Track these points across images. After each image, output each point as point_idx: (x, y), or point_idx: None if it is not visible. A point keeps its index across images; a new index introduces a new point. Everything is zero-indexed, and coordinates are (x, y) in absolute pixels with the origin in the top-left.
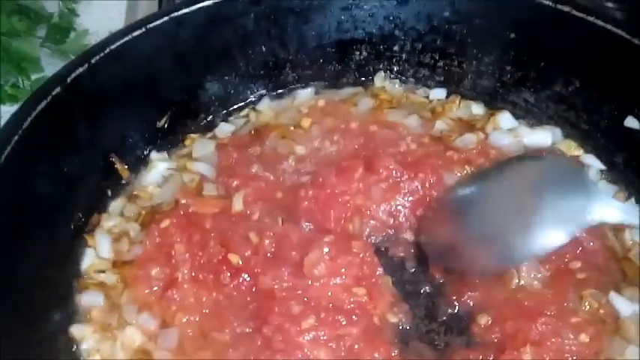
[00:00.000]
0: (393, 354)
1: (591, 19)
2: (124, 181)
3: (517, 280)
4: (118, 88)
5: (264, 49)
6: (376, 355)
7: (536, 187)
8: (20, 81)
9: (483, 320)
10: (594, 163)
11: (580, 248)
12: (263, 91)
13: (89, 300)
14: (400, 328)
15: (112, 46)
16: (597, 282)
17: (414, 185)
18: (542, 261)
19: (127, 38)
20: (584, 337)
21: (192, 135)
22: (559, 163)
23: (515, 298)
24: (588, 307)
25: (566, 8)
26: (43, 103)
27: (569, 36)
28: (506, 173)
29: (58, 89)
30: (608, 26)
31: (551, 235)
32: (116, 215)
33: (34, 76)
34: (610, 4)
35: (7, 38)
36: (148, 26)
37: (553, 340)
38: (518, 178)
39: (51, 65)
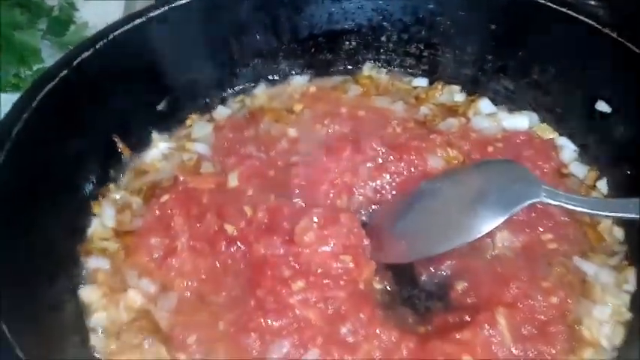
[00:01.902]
0: (377, 315)
1: (565, 9)
2: (126, 159)
3: (492, 251)
4: (120, 72)
5: (258, 37)
6: (361, 316)
7: (484, 180)
8: (22, 71)
9: (460, 286)
10: (568, 145)
11: (552, 222)
12: (258, 78)
13: (95, 264)
14: (384, 293)
15: (116, 33)
16: (566, 251)
17: (399, 165)
18: (515, 233)
19: (129, 26)
20: (553, 300)
21: (192, 116)
22: (503, 162)
23: (490, 266)
24: (558, 273)
25: (542, 0)
26: (51, 85)
27: (546, 27)
28: (464, 171)
29: (64, 72)
30: (580, 17)
31: (493, 214)
32: (120, 189)
33: (35, 67)
34: (592, 2)
35: (9, 30)
36: (148, 15)
37: (525, 302)
38: (470, 175)
39: (51, 57)
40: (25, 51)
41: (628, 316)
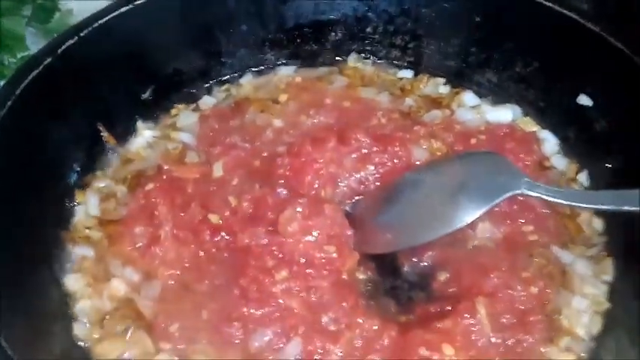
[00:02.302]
0: (359, 304)
1: (549, 4)
2: (111, 147)
3: (474, 242)
4: (105, 60)
5: (244, 27)
6: (344, 305)
7: (466, 172)
8: (5, 59)
9: (442, 276)
10: (550, 138)
11: (533, 214)
12: (244, 68)
13: (80, 252)
14: (367, 283)
15: (101, 21)
16: (546, 243)
17: (383, 156)
18: (497, 224)
19: (115, 13)
20: (533, 290)
21: (177, 105)
22: (486, 154)
23: (472, 256)
24: (538, 264)
25: None
26: (35, 72)
27: (529, 20)
28: (447, 162)
29: (49, 59)
30: (564, 11)
31: (475, 205)
32: (105, 177)
33: (19, 55)
34: None
35: None
36: (135, 3)
37: (504, 292)
38: (452, 167)
39: (35, 44)
40: (9, 38)
41: (606, 306)
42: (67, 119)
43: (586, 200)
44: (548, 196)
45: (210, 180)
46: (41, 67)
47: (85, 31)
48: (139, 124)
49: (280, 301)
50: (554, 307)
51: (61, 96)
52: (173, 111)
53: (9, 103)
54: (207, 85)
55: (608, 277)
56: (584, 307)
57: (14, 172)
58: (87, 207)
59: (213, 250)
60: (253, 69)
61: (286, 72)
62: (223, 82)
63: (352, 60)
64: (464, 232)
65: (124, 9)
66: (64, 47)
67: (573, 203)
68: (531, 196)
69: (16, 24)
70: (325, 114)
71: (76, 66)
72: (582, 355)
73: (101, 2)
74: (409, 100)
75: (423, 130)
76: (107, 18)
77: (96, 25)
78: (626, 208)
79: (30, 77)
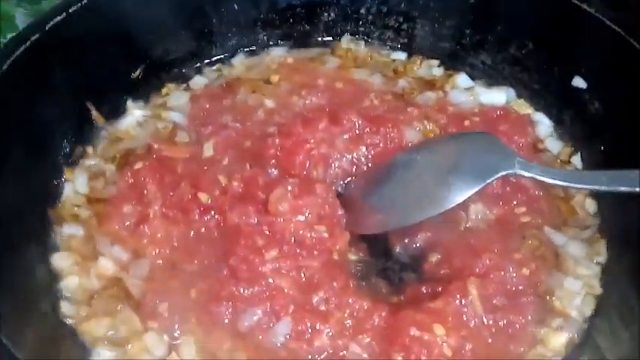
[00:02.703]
0: (350, 285)
1: None
2: (100, 126)
3: (466, 223)
4: (94, 38)
5: (236, 7)
6: (334, 285)
7: (458, 151)
8: None
9: (434, 258)
10: (544, 120)
11: (526, 196)
12: (236, 48)
13: (68, 230)
14: (358, 264)
15: None
16: (539, 224)
17: (375, 137)
18: (489, 205)
19: None
20: (525, 271)
21: (168, 85)
22: (478, 134)
23: (464, 238)
24: (530, 245)
25: None
26: (22, 48)
27: (525, 3)
28: (439, 142)
29: (36, 35)
30: None
31: (466, 185)
32: (94, 156)
33: (9, 35)
34: None
35: None
36: None
37: (496, 273)
38: (445, 147)
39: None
40: None
41: (598, 287)
42: (55, 96)
43: (581, 180)
44: (542, 176)
45: (200, 160)
46: (28, 43)
47: (74, 8)
48: (129, 103)
49: (270, 280)
50: (546, 289)
51: (49, 73)
52: (164, 90)
53: None
54: (198, 65)
55: (601, 258)
56: (577, 288)
57: (1, 149)
58: (75, 185)
59: (203, 229)
60: (245, 49)
61: (278, 52)
62: (215, 62)
63: (345, 41)
64: (456, 214)
65: None
66: (51, 23)
67: (568, 183)
68: (525, 176)
69: (7, 5)
70: (317, 95)
71: (64, 43)
72: (574, 336)
73: None
74: (402, 82)
75: (416, 112)
76: None
77: (85, 2)
78: (622, 188)
79: (17, 53)
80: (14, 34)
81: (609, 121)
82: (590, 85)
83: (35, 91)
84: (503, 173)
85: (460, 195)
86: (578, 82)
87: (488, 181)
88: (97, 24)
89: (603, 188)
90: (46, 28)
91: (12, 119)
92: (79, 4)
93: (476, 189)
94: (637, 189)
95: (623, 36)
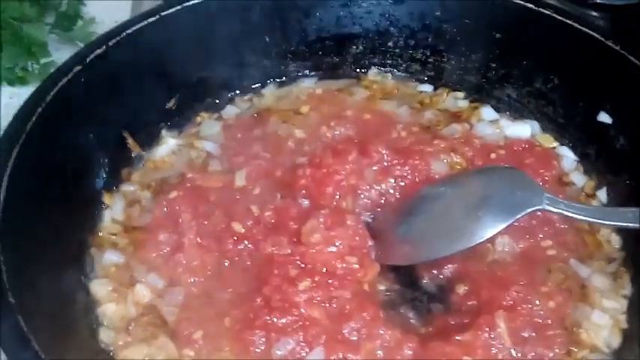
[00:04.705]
0: (380, 315)
1: (569, 22)
2: (136, 155)
3: (493, 255)
4: (131, 70)
5: (267, 39)
6: (365, 315)
7: (487, 186)
8: (29, 65)
9: (461, 289)
10: (569, 154)
11: (552, 229)
12: (266, 79)
13: (108, 257)
14: (387, 294)
15: (129, 31)
16: (565, 258)
17: (403, 169)
18: (515, 238)
19: (142, 24)
20: (551, 304)
21: (201, 114)
22: (507, 169)
23: (490, 270)
24: (556, 278)
25: (547, 11)
26: (64, 80)
27: (549, 37)
28: (467, 176)
29: (78, 68)
30: (584, 29)
31: (496, 220)
32: (130, 184)
33: (42, 61)
34: (594, 13)
35: (17, 23)
36: (161, 14)
37: (523, 306)
38: (473, 180)
39: (58, 51)
40: (32, 44)
41: (625, 320)
42: (93, 127)
43: (607, 217)
44: (570, 212)
45: (232, 189)
46: (70, 75)
47: (113, 41)
48: (164, 132)
49: (302, 310)
50: (573, 321)
51: (88, 104)
52: (197, 119)
53: (39, 109)
54: (230, 95)
55: (627, 291)
56: (604, 321)
57: (42, 178)
58: (113, 212)
59: (236, 258)
60: (275, 80)
61: (307, 83)
62: (246, 92)
63: (373, 73)
64: (483, 246)
65: (151, 19)
66: (92, 56)
67: (594, 220)
68: (553, 212)
69: (39, 31)
70: (346, 126)
71: (103, 75)
72: None
73: (123, 12)
74: (429, 114)
75: (443, 144)
76: (134, 28)
77: (123, 34)
78: None
79: (59, 85)
80: (47, 59)
81: (634, 156)
82: (615, 121)
83: (74, 123)
84: (533, 209)
85: (490, 230)
86: (604, 117)
87: (518, 216)
88: (134, 56)
89: (628, 225)
90: (87, 61)
91: (52, 149)
92: (119, 37)
93: (506, 224)
94: None
95: None
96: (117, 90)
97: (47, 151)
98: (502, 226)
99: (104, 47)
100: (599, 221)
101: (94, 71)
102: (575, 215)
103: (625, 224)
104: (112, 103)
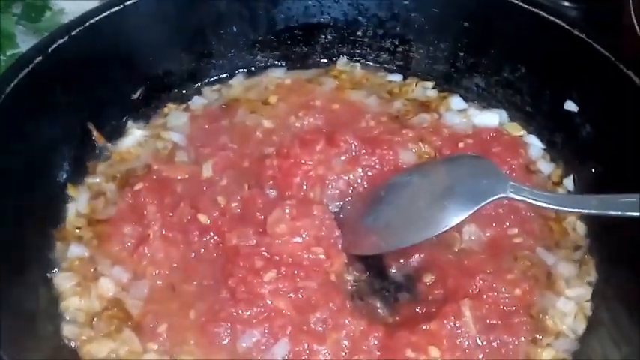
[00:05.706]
0: (346, 305)
1: (537, 10)
2: (101, 146)
3: (460, 244)
4: (95, 60)
5: (235, 29)
6: (331, 305)
7: (452, 175)
8: None
9: (428, 278)
10: (536, 143)
11: (519, 217)
12: (234, 69)
13: (73, 251)
14: (355, 284)
15: (92, 20)
16: (531, 245)
17: (371, 159)
18: (482, 227)
19: (105, 13)
20: (517, 292)
21: (168, 105)
22: (473, 158)
23: (457, 259)
24: (522, 266)
25: (515, 0)
26: (25, 71)
27: (517, 26)
28: (433, 166)
29: (39, 58)
30: (551, 17)
31: (461, 208)
32: (95, 176)
33: (9, 52)
34: (566, 3)
35: None
36: (126, 3)
37: (489, 294)
38: (439, 170)
39: (25, 42)
40: None
41: (590, 307)
42: (57, 118)
43: (571, 205)
44: (534, 200)
45: (199, 180)
46: (31, 66)
47: (76, 31)
48: (130, 123)
49: (268, 301)
50: (539, 309)
51: (51, 94)
52: (164, 110)
53: None
54: (197, 86)
55: (592, 278)
56: (569, 308)
57: (4, 171)
58: (77, 205)
59: (202, 250)
60: (243, 70)
61: (276, 73)
62: (214, 83)
63: (342, 63)
64: (450, 235)
65: (114, 9)
66: (54, 46)
67: (559, 207)
68: (517, 200)
69: (7, 22)
70: (314, 116)
71: (66, 65)
72: (567, 355)
73: (93, 3)
74: (398, 104)
75: (411, 134)
76: (98, 18)
77: (87, 24)
78: (611, 213)
79: (20, 76)
80: (14, 51)
81: (600, 144)
82: (581, 109)
83: (37, 113)
84: (497, 197)
85: (455, 218)
86: (570, 105)
87: (482, 204)
88: (98, 46)
89: (593, 212)
90: (49, 51)
91: (14, 141)
92: (82, 27)
93: (470, 212)
94: (625, 213)
95: (613, 61)
96: (81, 81)
97: (8, 143)
98: (466, 214)
99: (66, 37)
100: (563, 209)
101: (56, 62)
102: (539, 203)
103: (588, 211)
104: (75, 95)
